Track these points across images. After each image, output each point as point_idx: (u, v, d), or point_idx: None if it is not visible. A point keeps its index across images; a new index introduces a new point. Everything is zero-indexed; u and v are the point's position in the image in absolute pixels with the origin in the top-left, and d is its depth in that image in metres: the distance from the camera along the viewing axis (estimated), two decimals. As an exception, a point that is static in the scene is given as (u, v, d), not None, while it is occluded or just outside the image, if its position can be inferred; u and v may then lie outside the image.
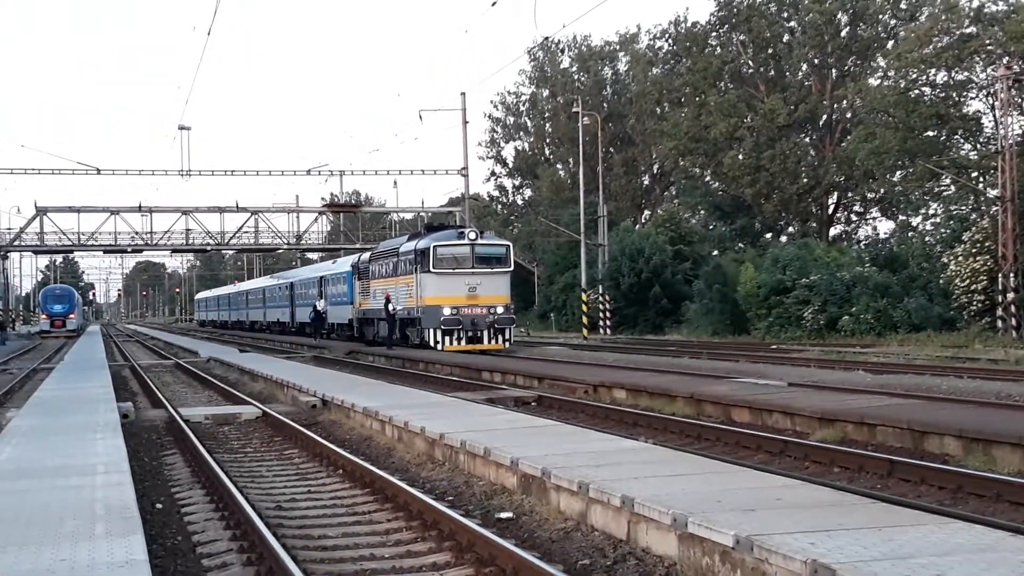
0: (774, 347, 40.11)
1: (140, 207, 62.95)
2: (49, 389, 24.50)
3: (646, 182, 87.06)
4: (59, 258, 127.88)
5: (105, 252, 74.11)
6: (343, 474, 13.49)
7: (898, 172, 57.58)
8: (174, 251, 71.16)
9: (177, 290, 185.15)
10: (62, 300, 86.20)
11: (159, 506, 11.66)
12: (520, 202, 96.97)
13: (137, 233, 63.30)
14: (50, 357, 46.04)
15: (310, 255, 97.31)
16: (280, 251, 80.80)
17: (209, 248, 67.62)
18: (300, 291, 62.87)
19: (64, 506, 9.55)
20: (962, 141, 52.66)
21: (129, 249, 66.16)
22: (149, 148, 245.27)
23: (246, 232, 64.50)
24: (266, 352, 44.45)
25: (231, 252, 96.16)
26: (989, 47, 46.65)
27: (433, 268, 37.59)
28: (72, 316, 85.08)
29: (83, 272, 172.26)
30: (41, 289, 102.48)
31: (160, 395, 24.32)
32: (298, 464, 14.89)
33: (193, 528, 10.59)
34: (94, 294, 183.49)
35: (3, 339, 63.06)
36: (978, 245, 40.85)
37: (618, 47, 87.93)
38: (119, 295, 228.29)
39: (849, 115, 64.94)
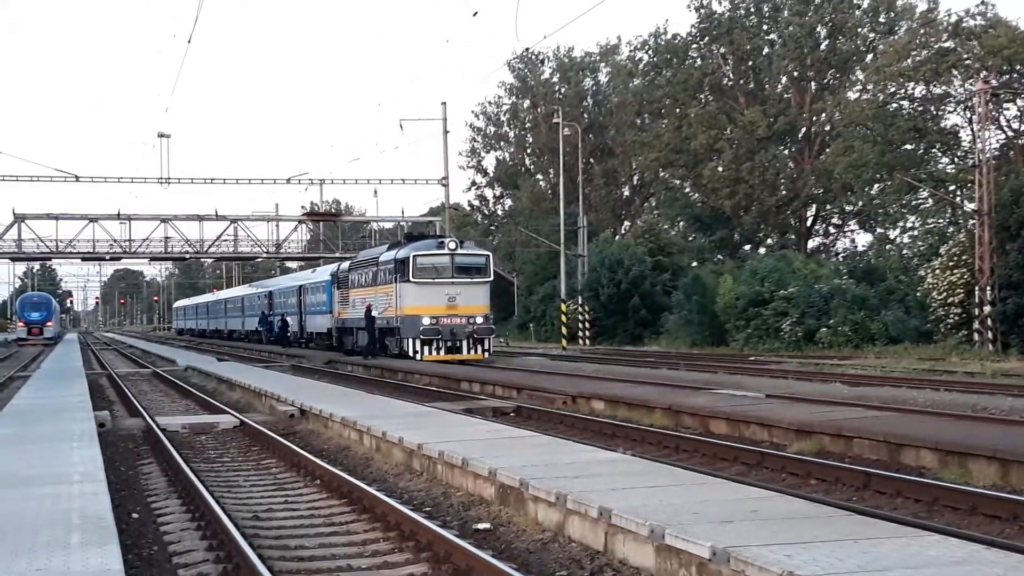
0: (752, 359, 40.23)
1: (119, 215, 62.73)
2: (25, 397, 24.36)
3: (626, 193, 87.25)
4: (36, 265, 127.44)
5: (83, 260, 73.81)
6: (320, 484, 13.43)
7: (876, 185, 58.05)
8: (153, 259, 71.09)
9: (155, 298, 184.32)
10: (39, 308, 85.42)
11: (135, 516, 11.59)
12: (500, 212, 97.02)
13: (116, 241, 63.10)
14: (27, 365, 45.73)
15: (289, 264, 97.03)
16: (259, 260, 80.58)
17: (188, 256, 67.51)
18: (279, 300, 62.70)
19: (39, 515, 9.48)
20: (940, 155, 53.07)
21: (107, 257, 66.07)
22: (128, 155, 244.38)
23: (225, 240, 64.40)
24: (244, 361, 44.24)
25: (210, 260, 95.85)
26: (967, 61, 47.01)
27: (413, 278, 37.46)
28: (49, 324, 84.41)
29: (61, 279, 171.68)
30: (18, 297, 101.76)
31: (137, 404, 24.17)
32: (275, 474, 14.83)
33: (169, 538, 10.52)
34: (72, 302, 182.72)
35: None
36: (955, 258, 41.09)
37: (599, 58, 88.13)
38: (97, 303, 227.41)
39: (828, 128, 65.31)
